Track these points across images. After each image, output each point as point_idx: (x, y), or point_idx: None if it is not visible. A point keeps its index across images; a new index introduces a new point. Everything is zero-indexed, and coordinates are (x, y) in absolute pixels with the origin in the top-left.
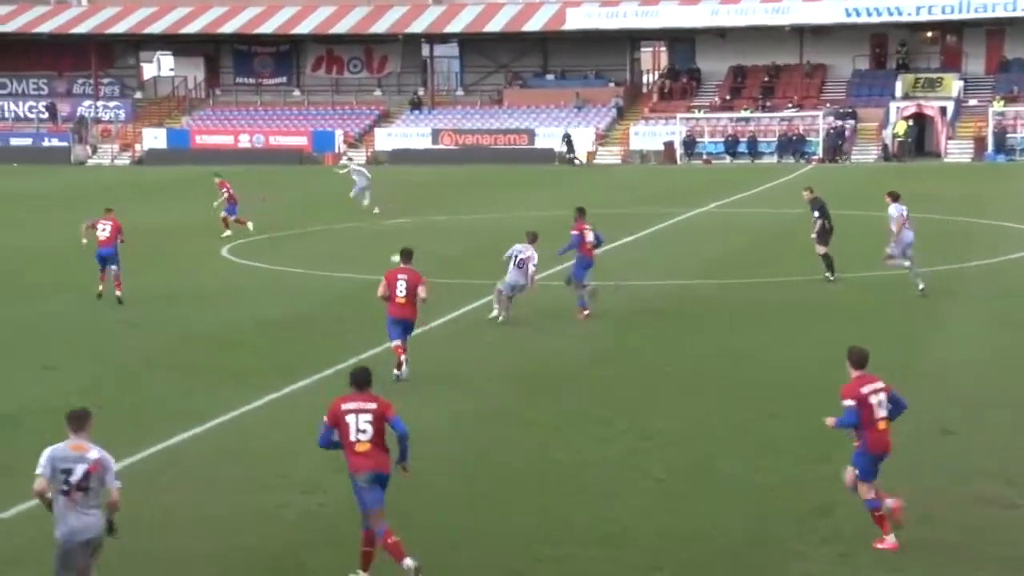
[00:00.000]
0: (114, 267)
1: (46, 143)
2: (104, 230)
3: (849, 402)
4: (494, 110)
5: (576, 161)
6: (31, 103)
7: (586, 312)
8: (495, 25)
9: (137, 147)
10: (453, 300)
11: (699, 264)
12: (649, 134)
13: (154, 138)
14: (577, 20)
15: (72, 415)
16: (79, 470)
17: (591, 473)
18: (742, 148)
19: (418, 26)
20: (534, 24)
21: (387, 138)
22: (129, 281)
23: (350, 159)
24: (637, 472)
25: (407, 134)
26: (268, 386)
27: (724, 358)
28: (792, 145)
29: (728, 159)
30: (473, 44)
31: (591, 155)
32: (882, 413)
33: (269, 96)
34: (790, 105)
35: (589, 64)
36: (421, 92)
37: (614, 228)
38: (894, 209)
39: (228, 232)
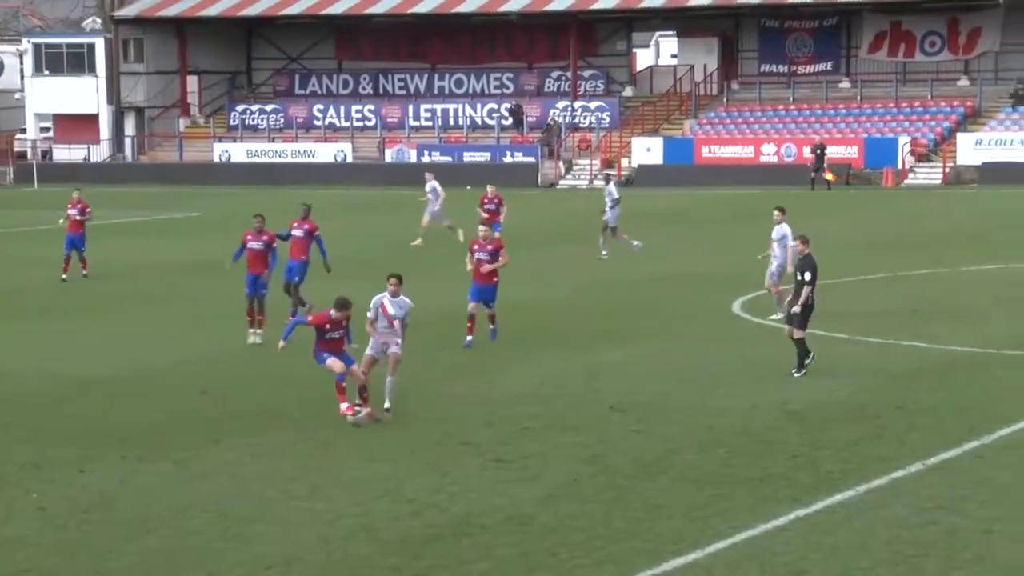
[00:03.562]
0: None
1: (508, 158)
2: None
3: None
4: None
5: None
6: (492, 105)
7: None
8: None
9: (624, 163)
10: None
11: None
12: None
13: (647, 150)
14: None
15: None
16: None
17: None
18: None
19: None
20: None
21: (975, 148)
22: (620, 350)
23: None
24: None
25: (1007, 141)
26: (794, 498)
27: None
28: None
29: None
30: None
31: None
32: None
33: (806, 90)
34: None
35: None
36: None
37: None
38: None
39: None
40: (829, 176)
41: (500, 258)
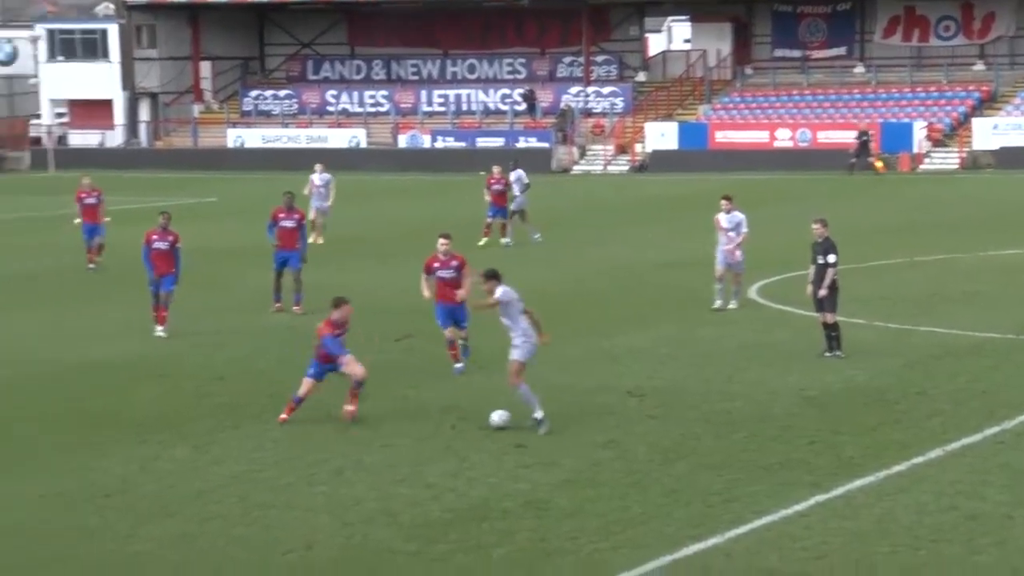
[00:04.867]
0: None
1: (521, 143)
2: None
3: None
4: None
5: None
6: (504, 91)
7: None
8: None
9: (638, 148)
10: None
11: None
12: None
13: (661, 135)
14: None
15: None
16: None
17: None
18: None
19: None
20: None
21: (991, 133)
22: (637, 335)
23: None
24: None
25: (1023, 126)
26: (814, 484)
27: None
28: None
29: None
30: None
31: None
32: None
33: (820, 75)
34: None
35: None
36: None
37: None
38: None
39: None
40: (879, 164)
41: (467, 276)
